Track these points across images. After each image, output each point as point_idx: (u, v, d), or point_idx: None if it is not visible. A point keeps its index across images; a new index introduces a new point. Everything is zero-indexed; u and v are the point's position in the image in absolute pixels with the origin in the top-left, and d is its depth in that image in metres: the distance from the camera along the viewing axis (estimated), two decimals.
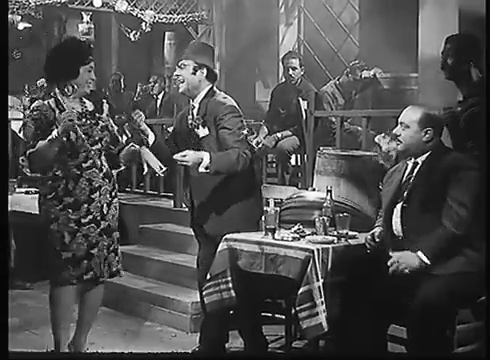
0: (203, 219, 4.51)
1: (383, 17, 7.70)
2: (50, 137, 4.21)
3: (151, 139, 4.54)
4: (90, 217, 4.37)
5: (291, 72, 7.29)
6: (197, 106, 4.50)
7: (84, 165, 4.37)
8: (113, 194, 4.49)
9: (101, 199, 4.41)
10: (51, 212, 4.35)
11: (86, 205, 4.36)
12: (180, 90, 4.53)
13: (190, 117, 4.54)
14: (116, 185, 4.56)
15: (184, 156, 4.22)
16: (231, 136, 4.35)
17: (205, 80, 4.50)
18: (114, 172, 4.59)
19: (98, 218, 4.40)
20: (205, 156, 4.23)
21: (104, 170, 4.45)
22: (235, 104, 4.50)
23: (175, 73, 4.53)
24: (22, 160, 4.31)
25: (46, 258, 4.42)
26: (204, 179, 4.40)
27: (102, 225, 4.41)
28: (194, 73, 4.47)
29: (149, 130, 4.55)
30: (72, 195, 4.35)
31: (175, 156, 4.25)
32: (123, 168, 4.64)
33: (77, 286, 4.45)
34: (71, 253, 4.33)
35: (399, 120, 3.97)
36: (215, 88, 4.57)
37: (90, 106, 4.48)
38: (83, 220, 4.35)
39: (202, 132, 4.45)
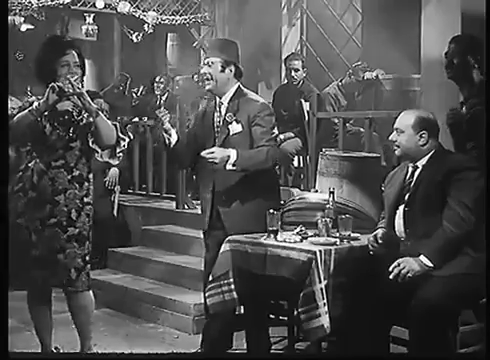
0: (227, 219, 4.44)
1: (385, 18, 7.69)
2: (30, 108, 4.10)
3: (174, 139, 4.49)
4: (54, 220, 4.21)
5: (293, 74, 7.31)
6: (226, 104, 4.46)
7: (53, 163, 4.22)
8: (85, 200, 4.29)
9: (68, 203, 4.23)
10: (17, 205, 4.23)
11: (50, 206, 4.21)
12: (207, 87, 4.47)
13: (218, 114, 4.50)
14: (90, 192, 4.32)
15: (212, 153, 4.19)
16: (264, 134, 4.35)
17: (233, 78, 4.48)
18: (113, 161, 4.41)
19: (64, 223, 4.21)
20: (232, 153, 4.21)
21: (75, 173, 4.26)
22: (267, 102, 4.49)
23: (202, 71, 4.47)
24: None
25: (15, 254, 4.13)
26: (229, 179, 4.37)
27: (70, 232, 4.22)
28: (223, 71, 4.43)
29: (173, 130, 4.50)
30: (35, 190, 4.22)
31: (202, 153, 4.22)
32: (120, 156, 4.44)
33: (64, 294, 4.33)
34: (38, 252, 4.20)
35: (394, 126, 3.99)
36: (242, 86, 4.54)
37: (76, 106, 4.24)
38: (47, 221, 4.20)
39: (235, 128, 4.40)
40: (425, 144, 3.92)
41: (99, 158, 4.35)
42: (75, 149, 4.27)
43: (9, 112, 4.12)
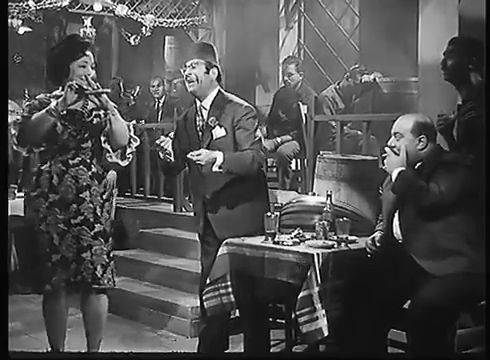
0: (216, 225, 4.43)
1: (383, 21, 7.70)
2: (48, 107, 4.05)
3: (172, 157, 4.47)
4: (81, 218, 4.18)
5: (286, 78, 7.36)
6: (208, 107, 4.42)
7: (71, 162, 4.20)
8: (105, 197, 4.29)
9: (93, 200, 4.22)
10: (39, 211, 4.20)
11: (75, 205, 4.18)
12: (191, 89, 4.40)
13: (200, 118, 4.46)
14: (109, 188, 4.38)
15: (199, 155, 4.17)
16: (248, 138, 4.32)
17: (215, 81, 4.45)
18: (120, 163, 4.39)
19: (91, 220, 4.20)
20: (219, 155, 4.19)
21: (93, 169, 4.25)
22: (250, 105, 4.48)
23: (186, 72, 4.39)
24: (13, 128, 4.14)
25: (37, 260, 4.22)
26: (217, 185, 4.37)
27: (96, 228, 4.21)
28: (207, 72, 4.39)
29: (171, 150, 4.45)
30: (57, 192, 4.18)
31: (189, 155, 4.20)
32: (129, 157, 4.41)
33: (80, 296, 4.33)
34: (60, 255, 4.16)
35: (392, 131, 3.98)
36: (222, 90, 4.50)
37: (91, 105, 4.21)
38: (73, 221, 4.17)
39: (219, 133, 4.37)
40: (424, 148, 3.92)
41: (109, 159, 4.30)
42: (87, 149, 4.25)
43: (9, 114, 4.11)
